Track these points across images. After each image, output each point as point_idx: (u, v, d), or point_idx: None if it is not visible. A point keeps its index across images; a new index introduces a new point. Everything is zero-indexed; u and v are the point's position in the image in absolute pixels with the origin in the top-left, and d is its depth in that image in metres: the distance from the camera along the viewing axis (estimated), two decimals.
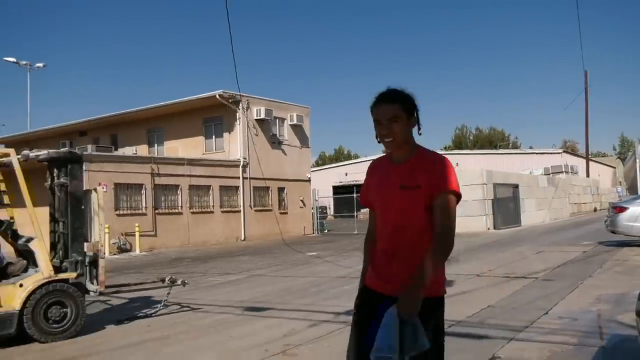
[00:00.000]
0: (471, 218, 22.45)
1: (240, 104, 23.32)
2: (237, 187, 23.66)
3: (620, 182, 59.44)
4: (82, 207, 6.78)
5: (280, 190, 25.92)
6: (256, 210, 24.32)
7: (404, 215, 2.34)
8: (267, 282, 10.36)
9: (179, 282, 7.66)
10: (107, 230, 15.13)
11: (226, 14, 11.45)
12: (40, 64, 33.33)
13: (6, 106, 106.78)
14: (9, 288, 5.84)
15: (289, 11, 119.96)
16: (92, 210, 7.03)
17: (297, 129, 27.00)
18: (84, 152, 17.72)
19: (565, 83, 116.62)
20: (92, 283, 6.70)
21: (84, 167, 6.87)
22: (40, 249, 6.16)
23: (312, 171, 30.97)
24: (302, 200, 27.08)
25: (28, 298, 5.83)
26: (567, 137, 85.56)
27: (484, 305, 6.86)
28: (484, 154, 50.14)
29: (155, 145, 27.16)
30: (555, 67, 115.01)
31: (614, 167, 63.00)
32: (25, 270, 6.23)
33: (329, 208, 42.53)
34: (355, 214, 30.54)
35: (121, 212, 19.11)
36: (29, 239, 6.37)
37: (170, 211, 21.04)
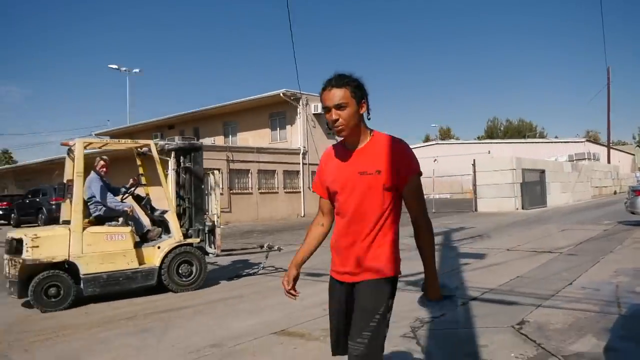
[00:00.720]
0: (502, 199, 21.95)
1: (301, 101, 23.47)
2: (297, 172, 23.87)
3: (638, 167, 56.34)
4: (202, 186, 7.37)
5: None
6: (313, 191, 24.44)
7: (365, 201, 2.01)
8: (324, 251, 10.38)
9: (275, 248, 8.09)
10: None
11: (289, 25, 11.52)
12: (137, 70, 34.47)
13: (111, 105, 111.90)
14: (149, 249, 6.52)
15: (343, 15, 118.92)
16: (210, 189, 7.73)
17: None
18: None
19: (588, 76, 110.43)
20: (210, 247, 7.33)
21: (202, 155, 7.42)
22: (173, 219, 6.77)
23: None
24: None
25: (164, 257, 6.50)
26: (589, 128, 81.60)
27: (514, 275, 6.70)
28: (514, 142, 48.36)
29: (230, 136, 27.68)
30: (579, 61, 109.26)
31: (633, 155, 59.81)
32: (160, 236, 6.82)
33: None
34: None
35: None
36: (164, 211, 6.98)
37: (242, 191, 21.49)
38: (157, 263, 6.43)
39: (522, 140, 51.64)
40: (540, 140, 55.71)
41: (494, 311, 4.92)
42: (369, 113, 2.08)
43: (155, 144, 7.03)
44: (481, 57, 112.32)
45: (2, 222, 24.14)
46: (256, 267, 8.17)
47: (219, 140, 27.35)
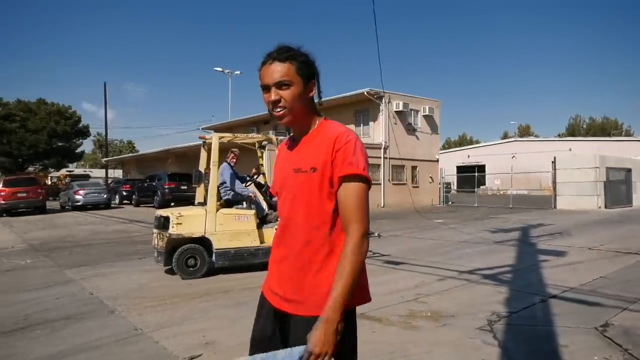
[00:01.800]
0: (583, 197, 20.16)
1: (383, 99, 23.13)
2: (379, 165, 23.60)
3: None
4: None
5: (413, 168, 25.35)
6: (393, 184, 24.09)
7: (297, 206, 1.51)
8: (402, 241, 10.23)
9: (375, 234, 8.07)
10: None
11: (374, 28, 11.30)
12: (238, 72, 35.77)
13: (215, 103, 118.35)
14: (268, 230, 6.81)
15: (426, 15, 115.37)
16: None
17: (429, 118, 26.06)
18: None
19: None
20: None
21: None
22: None
23: (440, 153, 29.72)
24: (430, 177, 26.25)
25: None
26: None
27: (596, 275, 6.09)
28: (597, 140, 44.30)
29: None
30: None
31: None
32: (277, 219, 7.00)
33: (453, 184, 40.76)
34: (475, 189, 29.16)
35: None
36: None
37: None
38: None
39: (607, 139, 47.07)
40: (627, 138, 50.49)
41: (575, 311, 4.49)
42: (319, 97, 1.60)
43: (276, 138, 7.32)
44: (564, 53, 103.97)
45: (126, 202, 26.30)
46: None
47: None
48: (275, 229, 1.68)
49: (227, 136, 7.35)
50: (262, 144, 7.65)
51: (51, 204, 24.59)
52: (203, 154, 7.21)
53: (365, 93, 22.77)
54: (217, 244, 6.43)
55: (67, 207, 22.73)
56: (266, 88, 1.49)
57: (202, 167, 7.12)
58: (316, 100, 1.60)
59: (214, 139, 6.79)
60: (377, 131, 23.94)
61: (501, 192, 39.51)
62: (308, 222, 1.49)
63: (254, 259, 6.63)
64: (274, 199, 7.40)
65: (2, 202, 19.07)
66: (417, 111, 25.45)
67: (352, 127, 25.54)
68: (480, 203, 24.56)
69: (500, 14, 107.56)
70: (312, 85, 1.54)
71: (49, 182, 38.54)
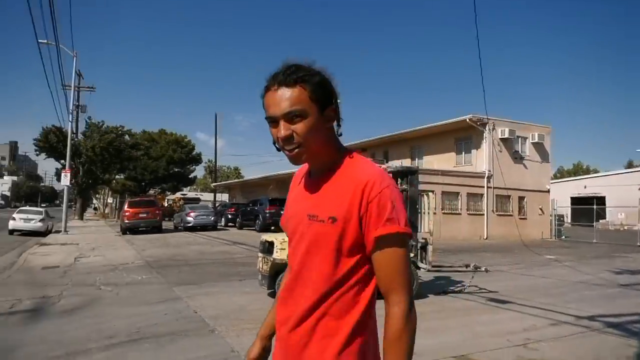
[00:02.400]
0: None
1: (487, 126, 22.05)
2: (481, 195, 22.38)
3: None
4: (417, 206, 7.52)
5: (520, 198, 23.62)
6: (498, 215, 22.62)
7: (311, 259, 1.22)
8: (509, 277, 9.45)
9: (482, 268, 7.72)
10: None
11: (478, 52, 10.88)
12: (338, 101, 36.59)
13: None
14: None
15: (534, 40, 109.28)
16: (423, 209, 7.98)
17: (538, 146, 24.27)
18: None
19: None
20: (422, 262, 7.35)
21: (419, 178, 7.67)
22: None
23: (551, 183, 27.43)
24: (540, 209, 24.22)
25: None
26: None
27: None
28: None
29: (416, 159, 27.42)
30: None
31: None
32: None
33: (567, 217, 37.24)
34: (594, 223, 26.27)
35: None
36: None
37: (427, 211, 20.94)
38: None
39: None
40: None
41: None
42: (339, 124, 1.27)
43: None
44: None
45: (230, 224, 27.84)
46: (459, 284, 7.92)
47: (406, 163, 27.23)
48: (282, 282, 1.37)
49: None
50: None
51: (167, 224, 26.83)
52: None
53: (468, 120, 21.93)
54: None
55: (179, 228, 24.62)
56: (272, 120, 1.18)
57: None
58: (337, 132, 1.29)
59: None
60: (479, 159, 22.83)
61: (625, 228, 35.14)
62: (320, 281, 1.20)
63: None
64: None
65: (127, 221, 21.22)
66: (524, 138, 23.89)
67: (452, 155, 24.65)
68: (600, 239, 22.00)
69: (621, 29, 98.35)
70: (331, 112, 1.22)
71: (166, 204, 42.26)
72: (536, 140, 23.84)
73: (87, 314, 5.73)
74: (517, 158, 23.50)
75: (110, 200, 50.52)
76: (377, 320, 1.25)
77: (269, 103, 1.18)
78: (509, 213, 23.03)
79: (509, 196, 22.96)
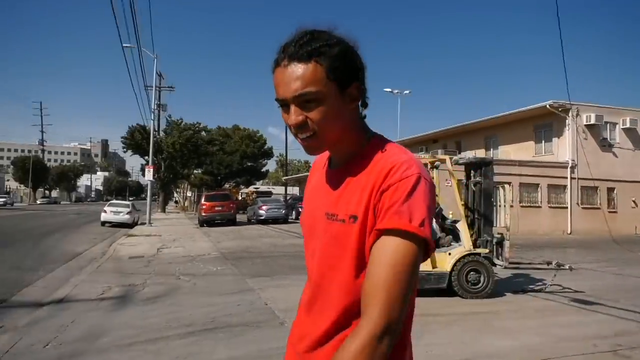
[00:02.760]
0: None
1: (570, 112, 20.52)
2: (564, 186, 20.91)
3: None
4: (492, 199, 7.19)
5: (610, 190, 21.76)
6: (583, 208, 21.04)
7: (329, 269, 1.03)
8: (597, 276, 8.75)
9: (566, 266, 7.31)
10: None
11: (558, 32, 10.13)
12: (407, 91, 35.89)
13: (383, 122, 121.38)
14: (441, 255, 6.61)
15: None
16: (499, 202, 7.61)
17: (630, 132, 22.15)
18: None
19: None
20: (498, 258, 7.05)
21: (494, 169, 7.28)
22: (464, 229, 6.79)
23: None
24: (633, 201, 22.16)
25: (455, 264, 6.50)
26: None
27: None
28: None
29: (491, 149, 26.19)
30: None
31: None
32: (450, 243, 6.87)
33: None
34: None
35: None
36: (454, 221, 7.06)
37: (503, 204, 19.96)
38: (448, 268, 6.47)
39: None
40: None
41: None
42: (365, 103, 1.04)
43: (450, 159, 7.14)
44: None
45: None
46: (540, 283, 7.46)
47: (480, 154, 26.12)
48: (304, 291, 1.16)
49: (423, 159, 7.27)
50: (435, 164, 7.47)
51: (240, 217, 27.90)
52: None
53: (548, 106, 20.54)
54: None
55: (252, 221, 25.49)
56: (284, 104, 0.98)
57: None
58: (361, 114, 1.07)
59: None
60: (562, 148, 21.34)
61: None
62: (342, 295, 0.99)
63: (425, 284, 6.40)
64: (447, 221, 7.08)
65: (204, 214, 22.33)
66: (614, 124, 21.96)
67: (530, 144, 23.25)
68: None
69: None
70: (354, 90, 0.99)
71: (239, 198, 43.91)
72: (628, 125, 21.81)
73: (168, 302, 6.11)
74: (606, 146, 21.66)
75: (189, 193, 53.47)
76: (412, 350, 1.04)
77: (278, 82, 0.96)
78: (596, 206, 21.37)
79: (596, 187, 21.28)
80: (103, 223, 21.82)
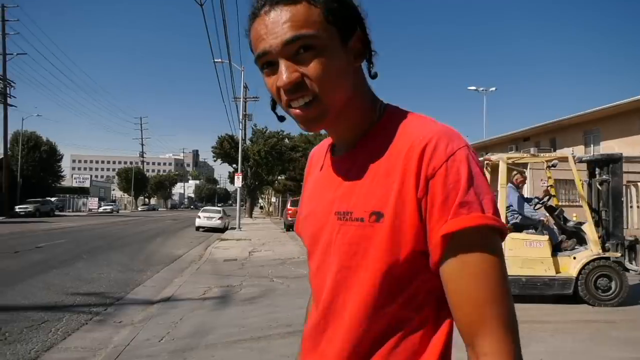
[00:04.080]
0: None
1: None
2: None
3: None
4: (622, 199, 6.71)
5: None
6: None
7: (343, 286, 0.77)
8: None
9: None
10: None
11: None
12: (493, 88, 34.27)
13: (469, 121, 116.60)
14: (565, 259, 6.25)
15: None
16: (630, 202, 7.06)
17: None
18: None
19: None
20: (631, 263, 6.60)
21: (622, 167, 6.70)
22: (591, 232, 6.34)
23: None
24: None
25: (581, 269, 6.09)
26: None
27: None
28: None
29: (592, 145, 24.17)
30: None
31: None
32: (573, 247, 6.48)
33: None
34: None
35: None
36: (578, 223, 6.71)
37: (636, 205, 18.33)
38: (573, 273, 6.08)
39: None
40: None
41: None
42: (370, 62, 0.80)
43: (572, 156, 6.79)
44: None
45: None
46: None
47: (579, 151, 24.23)
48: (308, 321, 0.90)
49: (515, 156, 7.00)
50: (552, 163, 7.11)
51: None
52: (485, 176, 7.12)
53: None
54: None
55: None
56: (268, 62, 0.74)
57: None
58: (369, 75, 0.83)
59: (502, 160, 6.57)
60: None
61: None
62: (364, 320, 0.75)
63: (548, 289, 6.05)
64: (570, 223, 6.65)
65: (290, 218, 22.96)
66: None
67: (638, 137, 21.09)
68: None
69: None
70: (358, 42, 0.77)
71: None
72: None
73: (265, 302, 6.36)
74: None
75: (273, 199, 55.28)
76: None
77: (259, 33, 0.73)
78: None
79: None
80: (197, 228, 23.23)
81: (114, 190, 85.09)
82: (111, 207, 54.64)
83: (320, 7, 0.71)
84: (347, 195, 0.78)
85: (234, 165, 35.88)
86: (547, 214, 6.84)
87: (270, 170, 39.28)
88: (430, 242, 0.70)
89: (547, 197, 7.09)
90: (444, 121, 0.80)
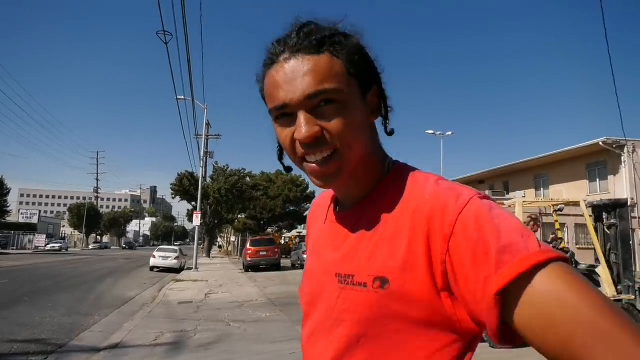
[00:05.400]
0: None
1: (625, 148, 19.72)
2: None
3: None
4: (630, 243, 6.83)
5: None
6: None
7: (348, 350, 0.69)
8: None
9: None
10: None
11: (611, 70, 9.88)
12: (450, 132, 35.62)
13: (427, 166, 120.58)
14: None
15: None
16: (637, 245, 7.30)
17: None
18: None
19: None
20: None
21: (628, 211, 7.03)
22: (605, 274, 6.41)
23: None
24: None
25: None
26: None
27: None
28: None
29: (542, 189, 25.33)
30: None
31: None
32: None
33: None
34: None
35: None
36: (591, 266, 6.78)
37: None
38: None
39: None
40: None
41: None
42: (386, 118, 0.78)
43: (586, 202, 7.01)
44: None
45: None
46: None
47: (530, 194, 25.32)
48: None
49: (530, 201, 7.24)
50: (558, 207, 7.36)
51: (284, 262, 27.85)
52: None
53: (601, 143, 19.87)
54: None
55: (297, 265, 25.34)
56: (285, 114, 0.70)
57: None
58: (385, 130, 0.80)
59: (518, 204, 6.69)
60: (618, 186, 20.39)
61: None
62: None
63: None
64: (581, 266, 6.79)
65: (249, 259, 22.46)
66: None
67: (583, 182, 22.31)
68: None
69: None
70: (375, 97, 0.75)
71: (282, 242, 44.03)
72: None
73: (221, 349, 6.06)
74: None
75: (232, 238, 54.20)
76: None
77: (277, 82, 0.69)
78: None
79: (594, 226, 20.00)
80: (152, 268, 22.31)
81: (64, 227, 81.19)
82: (60, 244, 51.87)
83: (343, 59, 0.69)
84: (350, 256, 0.73)
85: (193, 203, 35.12)
86: None
87: (230, 208, 38.68)
88: (474, 308, 0.60)
89: (556, 240, 7.30)
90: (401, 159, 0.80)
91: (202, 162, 26.89)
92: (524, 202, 6.83)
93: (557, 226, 7.55)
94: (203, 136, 28.22)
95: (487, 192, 21.84)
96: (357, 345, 0.68)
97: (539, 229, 7.01)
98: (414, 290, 0.64)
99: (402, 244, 0.67)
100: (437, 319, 0.64)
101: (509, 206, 7.23)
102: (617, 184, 20.50)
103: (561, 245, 7.30)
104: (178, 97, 18.05)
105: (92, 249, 65.21)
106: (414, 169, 0.77)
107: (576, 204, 7.03)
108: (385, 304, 0.66)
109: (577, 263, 6.85)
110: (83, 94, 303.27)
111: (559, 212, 7.15)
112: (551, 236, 7.55)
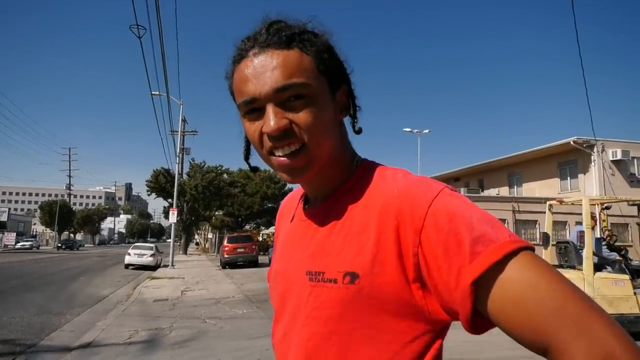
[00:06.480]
0: None
1: (595, 147, 20.28)
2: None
3: None
4: None
5: None
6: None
7: (315, 355, 0.70)
8: None
9: None
10: None
11: (582, 72, 10.16)
12: (427, 130, 36.03)
13: (404, 162, 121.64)
14: None
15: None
16: None
17: None
18: None
19: None
20: None
21: None
22: None
23: None
24: None
25: None
26: None
27: None
28: None
29: (515, 187, 25.86)
30: None
31: None
32: None
33: None
34: None
35: None
36: None
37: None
38: None
39: None
40: None
41: None
42: (354, 117, 0.79)
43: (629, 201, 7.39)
44: None
45: None
46: None
47: (504, 191, 25.84)
48: None
49: (597, 199, 7.42)
50: (605, 205, 7.58)
51: (261, 259, 27.75)
52: (548, 217, 7.47)
53: (572, 142, 20.38)
54: None
55: None
56: (254, 109, 0.70)
57: (547, 230, 7.33)
58: (353, 129, 0.81)
59: (585, 201, 6.82)
60: (588, 185, 20.96)
61: None
62: None
63: (634, 327, 5.97)
64: (633, 262, 6.88)
65: (226, 256, 22.29)
66: None
67: (555, 181, 22.89)
68: None
69: None
70: (344, 96, 0.77)
71: (260, 239, 43.86)
72: None
73: (196, 346, 6.01)
74: (634, 181, 21.21)
75: (210, 235, 53.69)
76: None
77: (246, 77, 0.69)
78: (628, 243, 20.63)
79: (626, 225, 20.64)
80: (127, 266, 21.93)
81: (34, 224, 78.97)
82: (30, 242, 50.41)
83: (312, 55, 0.70)
84: (319, 253, 0.73)
85: (170, 200, 34.64)
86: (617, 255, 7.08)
87: (207, 205, 38.29)
88: (446, 298, 0.62)
89: (611, 237, 7.42)
90: (381, 161, 0.80)
91: (177, 158, 26.52)
92: (591, 199, 6.97)
93: (605, 224, 7.79)
94: (179, 132, 27.83)
95: (462, 190, 22.25)
96: (329, 341, 0.68)
97: (596, 225, 7.14)
98: (384, 283, 0.65)
99: (370, 238, 0.67)
100: (408, 310, 0.65)
101: (572, 203, 7.47)
102: (587, 182, 21.08)
103: (614, 242, 7.33)
104: (153, 92, 17.74)
105: (60, 246, 58.64)
106: (381, 166, 0.78)
107: (631, 201, 7.43)
108: (356, 298, 0.66)
109: (629, 259, 6.88)
110: (55, 90, 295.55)
111: (607, 209, 7.36)
112: (607, 233, 7.60)
